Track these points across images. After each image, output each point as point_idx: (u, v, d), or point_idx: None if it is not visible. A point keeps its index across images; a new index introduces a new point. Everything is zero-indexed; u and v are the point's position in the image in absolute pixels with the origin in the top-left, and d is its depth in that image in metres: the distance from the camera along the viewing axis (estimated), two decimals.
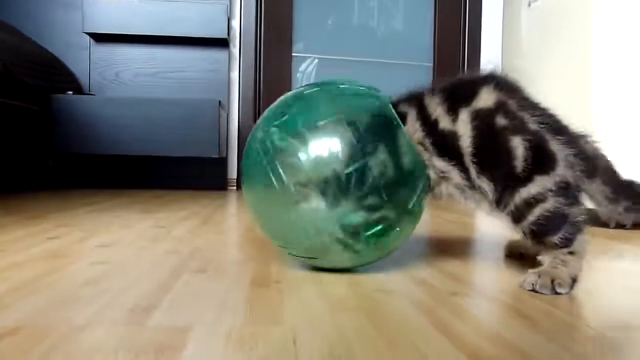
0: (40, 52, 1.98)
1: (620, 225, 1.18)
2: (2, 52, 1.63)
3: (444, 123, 0.61)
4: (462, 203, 0.64)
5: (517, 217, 0.58)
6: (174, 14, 2.13)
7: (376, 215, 0.58)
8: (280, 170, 0.59)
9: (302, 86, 0.68)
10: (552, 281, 0.56)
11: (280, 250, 0.78)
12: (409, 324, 0.45)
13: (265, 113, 0.66)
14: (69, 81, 2.11)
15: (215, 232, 0.97)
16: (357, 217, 0.57)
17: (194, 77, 2.26)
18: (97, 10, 2.09)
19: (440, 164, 0.61)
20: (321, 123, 0.59)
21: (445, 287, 0.58)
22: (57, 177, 2.16)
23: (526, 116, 0.59)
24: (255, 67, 2.33)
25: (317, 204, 0.57)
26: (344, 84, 0.66)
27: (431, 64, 2.51)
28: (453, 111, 0.61)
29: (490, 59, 2.45)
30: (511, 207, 0.58)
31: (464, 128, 0.60)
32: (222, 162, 2.26)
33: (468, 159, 0.60)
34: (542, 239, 0.58)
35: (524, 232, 0.59)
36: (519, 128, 0.58)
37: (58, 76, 2.03)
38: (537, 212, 0.57)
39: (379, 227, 0.59)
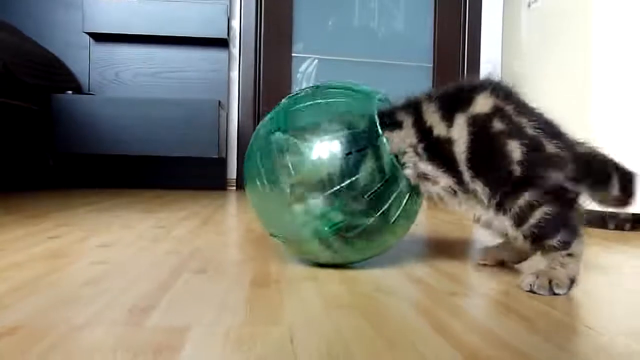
0: (40, 51, 1.98)
1: (619, 227, 1.19)
2: (2, 52, 1.63)
3: (439, 130, 0.61)
4: (454, 206, 0.64)
5: (519, 221, 0.58)
6: (174, 14, 2.14)
7: (355, 219, 0.61)
8: (278, 171, 0.63)
9: (300, 89, 0.71)
10: (550, 282, 0.56)
11: (280, 250, 0.78)
12: (407, 323, 0.45)
13: (268, 115, 0.70)
14: (69, 81, 2.11)
15: (215, 232, 0.97)
16: (338, 217, 0.61)
17: (194, 77, 2.26)
18: (97, 10, 2.10)
19: (426, 167, 0.62)
20: (316, 127, 0.62)
21: (444, 287, 0.59)
22: (57, 177, 2.16)
23: (523, 121, 0.60)
24: (255, 67, 2.33)
25: (305, 203, 0.61)
26: (338, 88, 0.67)
27: (431, 65, 2.51)
28: (449, 118, 0.61)
29: (490, 60, 2.45)
30: (515, 210, 0.58)
31: (459, 133, 0.60)
32: (222, 162, 2.26)
33: (463, 164, 0.60)
34: (542, 242, 0.58)
35: (524, 236, 0.59)
36: (516, 132, 0.59)
37: (58, 76, 2.04)
38: (537, 214, 0.57)
39: (357, 229, 0.62)
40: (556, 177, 0.57)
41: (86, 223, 1.04)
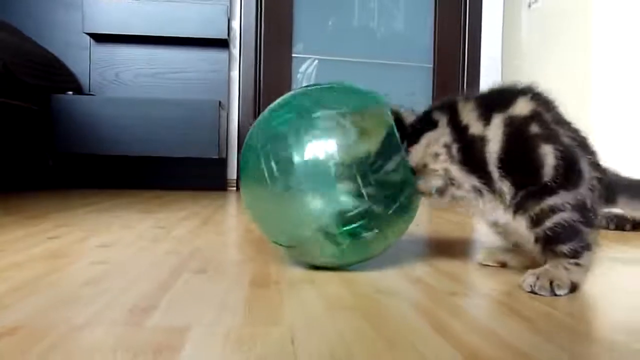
0: (40, 52, 1.98)
1: (619, 227, 1.19)
2: (2, 52, 1.63)
3: (475, 128, 0.61)
4: (475, 208, 0.64)
5: (535, 222, 0.59)
6: (174, 14, 2.14)
7: (363, 206, 0.60)
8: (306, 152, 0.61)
9: (314, 84, 0.70)
10: (551, 283, 0.56)
11: (279, 251, 0.78)
12: (407, 324, 0.45)
13: (277, 104, 0.68)
14: (69, 81, 2.11)
15: (215, 232, 0.97)
16: (348, 203, 0.60)
17: (194, 78, 2.26)
18: (98, 10, 2.09)
19: (456, 172, 0.62)
20: (363, 110, 0.63)
21: (444, 287, 0.58)
22: (57, 177, 2.16)
23: (560, 130, 0.60)
24: (256, 67, 2.33)
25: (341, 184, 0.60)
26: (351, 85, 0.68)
27: (431, 65, 2.51)
28: (486, 117, 0.61)
29: (490, 60, 2.45)
30: (533, 212, 0.58)
31: (494, 132, 0.60)
32: (222, 162, 2.26)
33: (493, 164, 0.60)
34: (553, 247, 0.58)
35: (536, 237, 0.59)
36: (552, 137, 0.59)
37: (58, 76, 2.03)
38: (555, 219, 0.57)
39: (360, 222, 0.60)
40: (581, 192, 0.58)
41: (86, 223, 1.04)
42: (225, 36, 2.16)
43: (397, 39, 2.52)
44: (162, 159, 2.21)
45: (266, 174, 0.61)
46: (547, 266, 0.59)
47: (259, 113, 2.34)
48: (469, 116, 0.62)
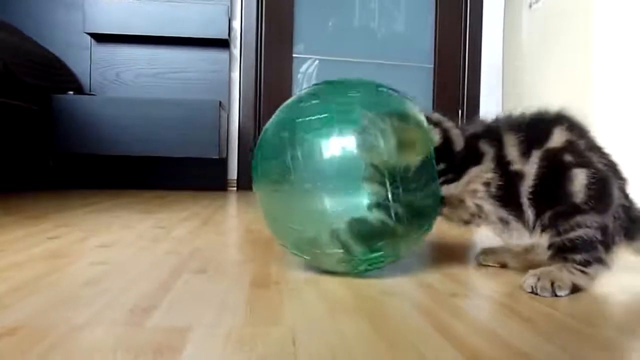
0: (41, 52, 1.98)
1: None
2: (2, 52, 1.63)
3: (516, 165, 0.62)
4: (498, 234, 0.66)
5: (556, 234, 0.59)
6: (174, 14, 2.14)
7: (388, 225, 0.58)
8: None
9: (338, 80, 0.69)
10: (552, 284, 0.56)
11: (280, 252, 0.78)
12: (408, 325, 0.45)
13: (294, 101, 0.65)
14: (69, 81, 2.11)
15: (216, 232, 0.97)
16: (377, 218, 0.57)
17: (195, 78, 2.26)
18: (98, 10, 2.10)
19: (488, 207, 0.63)
20: (406, 117, 0.61)
21: (445, 288, 0.58)
22: (57, 177, 2.16)
23: (594, 157, 0.61)
24: (256, 68, 2.33)
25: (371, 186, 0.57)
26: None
27: (432, 66, 2.51)
28: (526, 153, 0.61)
29: (490, 60, 2.45)
30: (558, 228, 0.59)
31: (531, 167, 0.61)
32: (223, 162, 2.26)
33: (524, 196, 0.61)
34: (567, 255, 0.59)
35: (552, 243, 0.60)
36: (585, 163, 0.59)
37: (59, 76, 2.03)
38: (579, 232, 0.58)
39: (382, 242, 0.59)
40: (608, 217, 0.59)
41: (86, 223, 1.04)
42: (226, 36, 2.16)
43: (397, 39, 2.52)
44: (163, 159, 2.21)
45: (290, 167, 0.58)
46: (549, 267, 0.59)
47: (259, 113, 2.34)
48: (512, 152, 0.62)
